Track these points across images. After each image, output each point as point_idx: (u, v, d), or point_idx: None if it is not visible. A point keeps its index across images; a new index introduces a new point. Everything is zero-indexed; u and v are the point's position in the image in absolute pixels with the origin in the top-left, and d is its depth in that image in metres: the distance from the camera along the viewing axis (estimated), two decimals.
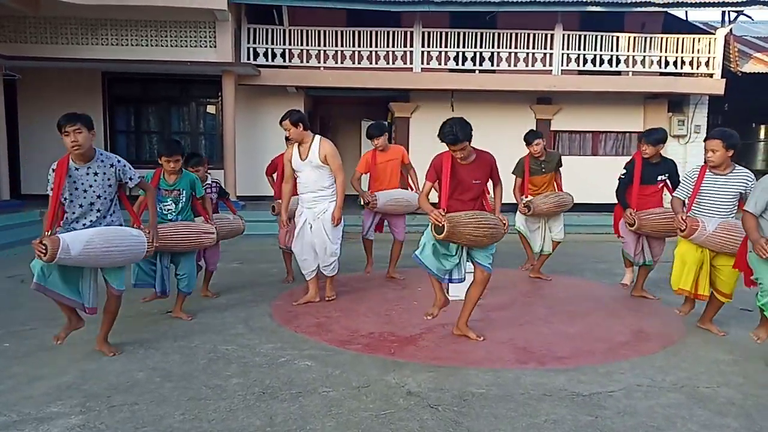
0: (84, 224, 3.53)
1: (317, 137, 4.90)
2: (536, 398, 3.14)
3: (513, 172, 5.97)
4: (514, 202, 6.03)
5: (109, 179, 3.56)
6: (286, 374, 3.43)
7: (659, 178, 5.08)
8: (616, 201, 5.29)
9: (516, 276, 6.19)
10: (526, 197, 5.88)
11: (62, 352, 3.71)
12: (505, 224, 3.94)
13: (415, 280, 5.92)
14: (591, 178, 10.39)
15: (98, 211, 3.55)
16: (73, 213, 3.52)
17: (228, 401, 3.05)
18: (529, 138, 5.84)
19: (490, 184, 4.15)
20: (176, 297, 4.62)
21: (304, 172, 4.87)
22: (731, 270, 4.14)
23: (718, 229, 4.08)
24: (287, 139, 5.10)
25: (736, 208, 4.17)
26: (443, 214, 3.75)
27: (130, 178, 3.66)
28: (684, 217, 4.18)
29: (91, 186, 3.51)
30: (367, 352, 3.85)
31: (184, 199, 4.49)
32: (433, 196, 3.96)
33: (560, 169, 6.03)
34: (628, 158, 5.32)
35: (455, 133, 3.71)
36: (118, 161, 3.62)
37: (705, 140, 4.21)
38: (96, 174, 3.52)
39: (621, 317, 4.81)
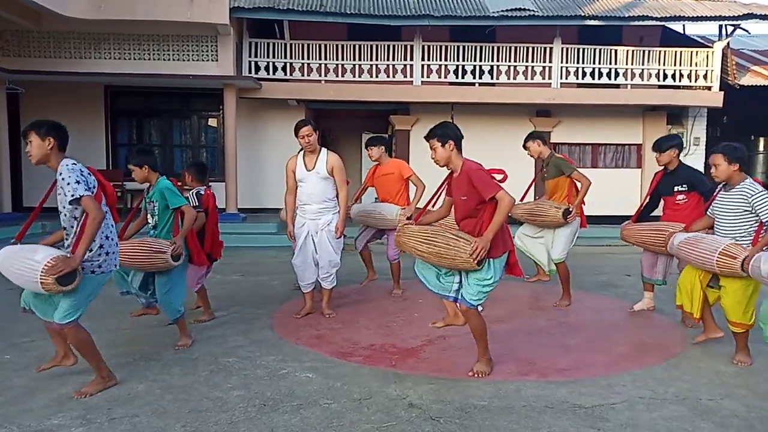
0: (64, 244, 3.29)
1: (324, 149, 4.95)
2: (538, 410, 3.13)
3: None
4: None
5: (60, 193, 3.15)
6: (287, 386, 3.42)
7: (676, 188, 4.73)
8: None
9: (516, 287, 6.19)
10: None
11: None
12: (474, 250, 3.28)
13: (416, 292, 5.91)
14: (591, 190, 10.41)
15: (64, 228, 3.22)
16: (63, 227, 3.26)
17: (229, 413, 3.04)
18: (528, 136, 5.66)
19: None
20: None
21: (308, 182, 4.87)
22: (732, 292, 3.79)
23: (683, 242, 4.04)
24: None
25: (749, 226, 3.77)
26: (404, 222, 3.89)
27: (66, 194, 3.09)
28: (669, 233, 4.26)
29: (58, 198, 3.20)
30: (368, 364, 3.84)
31: (158, 212, 4.13)
32: None
33: (571, 178, 5.55)
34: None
35: (431, 129, 3.63)
36: (60, 175, 3.12)
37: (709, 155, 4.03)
38: (56, 186, 3.19)
39: (622, 329, 4.80)
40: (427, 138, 3.64)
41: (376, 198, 6.13)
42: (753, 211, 3.73)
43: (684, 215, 4.64)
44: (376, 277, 6.13)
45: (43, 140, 3.15)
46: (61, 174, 3.13)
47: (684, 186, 4.71)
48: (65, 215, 3.19)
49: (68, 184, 3.09)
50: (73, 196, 3.08)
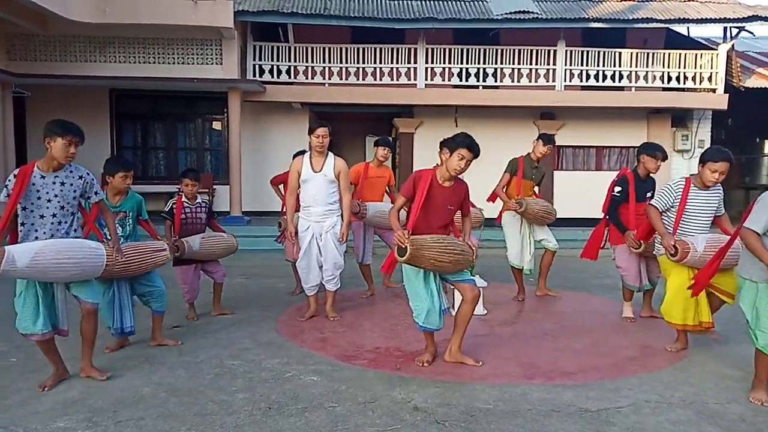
0: (45, 236, 3.33)
1: (330, 153, 4.97)
2: (544, 414, 3.12)
3: (506, 170, 5.70)
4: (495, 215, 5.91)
5: (75, 191, 3.42)
6: (292, 389, 3.43)
7: (647, 195, 4.89)
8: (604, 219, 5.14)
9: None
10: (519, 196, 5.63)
11: (68, 367, 3.69)
12: (473, 250, 3.77)
13: None
14: (595, 193, 10.37)
15: (59, 223, 3.37)
16: (32, 224, 3.31)
17: (234, 416, 3.05)
18: (546, 139, 5.68)
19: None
20: (152, 322, 4.31)
21: (313, 184, 4.87)
22: (728, 270, 3.88)
23: (707, 247, 3.86)
24: (300, 152, 5.16)
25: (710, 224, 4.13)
26: (407, 235, 3.55)
27: (96, 193, 3.56)
28: (673, 241, 3.93)
29: (56, 196, 3.34)
30: (373, 368, 3.84)
31: (130, 222, 4.18)
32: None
33: (539, 185, 5.93)
34: None
35: (477, 147, 3.71)
36: (87, 174, 3.51)
37: (710, 161, 3.88)
38: (63, 184, 3.36)
39: (628, 333, 4.78)
40: (476, 154, 3.71)
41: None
42: (717, 207, 4.12)
43: (645, 220, 4.69)
44: (373, 290, 6.04)
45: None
46: (88, 174, 3.52)
47: (652, 192, 4.93)
48: (66, 210, 3.41)
49: (96, 184, 3.57)
50: (104, 197, 3.67)
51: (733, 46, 11.78)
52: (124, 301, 4.12)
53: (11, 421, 2.97)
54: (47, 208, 3.33)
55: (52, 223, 3.35)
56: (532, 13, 11.04)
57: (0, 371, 3.73)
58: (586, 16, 11.14)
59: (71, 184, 3.40)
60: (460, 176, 3.81)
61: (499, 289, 6.01)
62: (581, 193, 11.11)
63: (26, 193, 3.27)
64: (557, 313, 5.43)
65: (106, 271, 3.54)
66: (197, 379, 3.58)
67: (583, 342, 4.49)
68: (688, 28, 12.75)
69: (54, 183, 3.34)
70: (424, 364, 3.85)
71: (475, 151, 3.69)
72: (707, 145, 12.27)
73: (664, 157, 4.89)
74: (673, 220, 4.09)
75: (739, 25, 11.47)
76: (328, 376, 3.65)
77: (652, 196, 4.83)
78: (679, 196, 4.05)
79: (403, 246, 3.52)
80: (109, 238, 3.72)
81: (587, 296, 6.27)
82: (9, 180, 3.29)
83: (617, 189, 4.95)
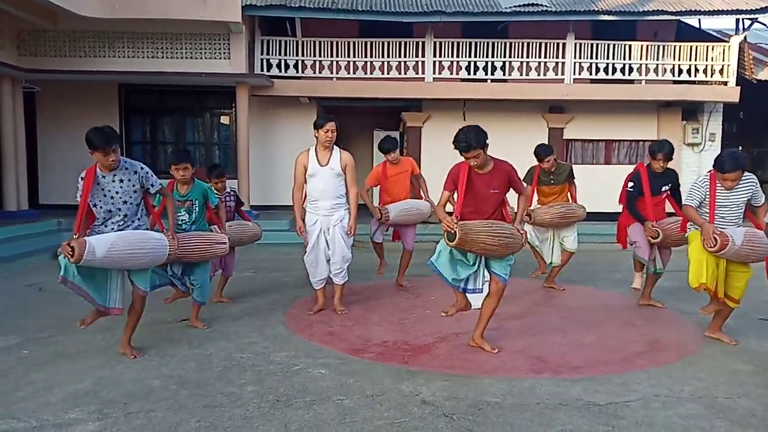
0: (112, 228, 3.73)
1: (336, 147, 4.98)
2: (552, 408, 3.12)
3: (522, 180, 5.91)
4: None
5: (133, 185, 3.76)
6: (300, 382, 3.44)
7: (663, 188, 5.12)
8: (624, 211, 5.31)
9: (530, 285, 6.16)
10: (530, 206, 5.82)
11: (79, 359, 3.76)
12: (522, 236, 3.91)
13: (428, 288, 5.92)
14: (604, 186, 10.31)
15: (125, 215, 3.76)
16: (105, 218, 3.73)
17: (243, 409, 3.07)
18: (541, 154, 5.81)
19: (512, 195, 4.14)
20: (191, 306, 4.66)
21: (320, 178, 4.89)
22: (744, 276, 4.09)
23: (745, 241, 3.92)
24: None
25: (743, 214, 4.15)
26: (455, 220, 3.73)
27: (152, 185, 3.88)
28: (714, 233, 3.94)
29: (117, 192, 3.71)
30: (380, 361, 3.85)
31: (197, 209, 4.54)
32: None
33: (574, 180, 6.02)
34: None
35: (468, 140, 3.73)
36: (141, 168, 3.84)
37: (719, 172, 3.99)
38: (122, 181, 3.72)
39: (636, 327, 4.76)
40: (467, 149, 3.72)
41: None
42: (749, 199, 4.12)
43: (660, 211, 5.17)
44: (384, 269, 6.24)
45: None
46: (142, 168, 3.83)
47: (669, 185, 5.15)
48: (131, 204, 3.76)
49: (152, 176, 3.88)
50: (161, 185, 3.96)
51: (745, 37, 11.62)
52: (174, 277, 4.52)
53: (24, 412, 3.01)
54: (113, 203, 3.71)
55: (119, 217, 3.75)
56: (542, 5, 10.95)
57: (12, 363, 3.77)
58: (596, 9, 11.03)
59: (129, 180, 3.75)
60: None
61: (510, 283, 5.98)
62: (591, 186, 11.02)
63: (94, 191, 3.67)
64: (566, 308, 5.42)
65: (168, 259, 3.95)
66: (206, 372, 3.61)
67: (592, 336, 4.48)
68: (699, 20, 12.59)
69: (114, 181, 3.70)
70: (442, 314, 4.27)
71: (470, 145, 3.71)
72: (718, 138, 12.16)
73: (667, 155, 4.99)
74: (707, 215, 4.15)
75: (752, 16, 11.31)
76: (336, 370, 3.66)
77: (670, 188, 5.14)
78: (707, 192, 4.12)
79: (452, 231, 3.65)
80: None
81: (596, 290, 6.24)
82: (79, 182, 3.69)
83: (630, 184, 5.20)
